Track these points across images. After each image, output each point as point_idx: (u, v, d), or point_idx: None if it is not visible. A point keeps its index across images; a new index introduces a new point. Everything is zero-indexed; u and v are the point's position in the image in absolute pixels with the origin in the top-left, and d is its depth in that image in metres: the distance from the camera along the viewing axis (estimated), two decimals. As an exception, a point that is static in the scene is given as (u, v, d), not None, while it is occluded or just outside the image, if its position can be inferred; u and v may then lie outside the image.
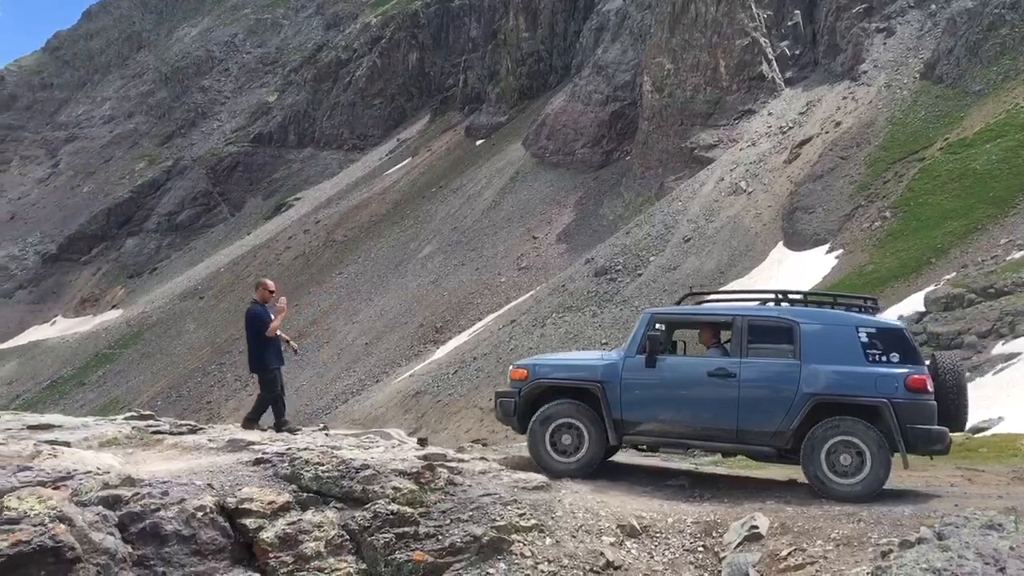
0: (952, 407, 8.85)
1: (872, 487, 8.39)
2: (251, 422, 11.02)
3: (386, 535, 7.12)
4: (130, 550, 6.49)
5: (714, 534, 7.53)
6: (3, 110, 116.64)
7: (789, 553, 6.96)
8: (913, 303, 28.00)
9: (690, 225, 42.79)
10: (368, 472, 7.56)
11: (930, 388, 8.62)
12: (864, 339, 8.69)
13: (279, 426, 11.10)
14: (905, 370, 8.55)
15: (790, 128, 45.70)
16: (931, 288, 27.97)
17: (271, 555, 6.85)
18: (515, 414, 9.63)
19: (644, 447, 9.61)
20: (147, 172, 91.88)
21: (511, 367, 10.22)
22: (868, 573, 6.08)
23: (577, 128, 58.33)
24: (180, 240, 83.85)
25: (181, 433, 9.83)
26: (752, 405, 8.80)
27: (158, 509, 6.75)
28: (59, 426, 9.78)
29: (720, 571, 7.04)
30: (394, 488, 7.45)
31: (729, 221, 41.95)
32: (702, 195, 44.62)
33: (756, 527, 7.34)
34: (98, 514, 6.53)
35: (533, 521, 7.40)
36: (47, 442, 8.39)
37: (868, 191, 38.41)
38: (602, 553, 7.12)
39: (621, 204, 50.57)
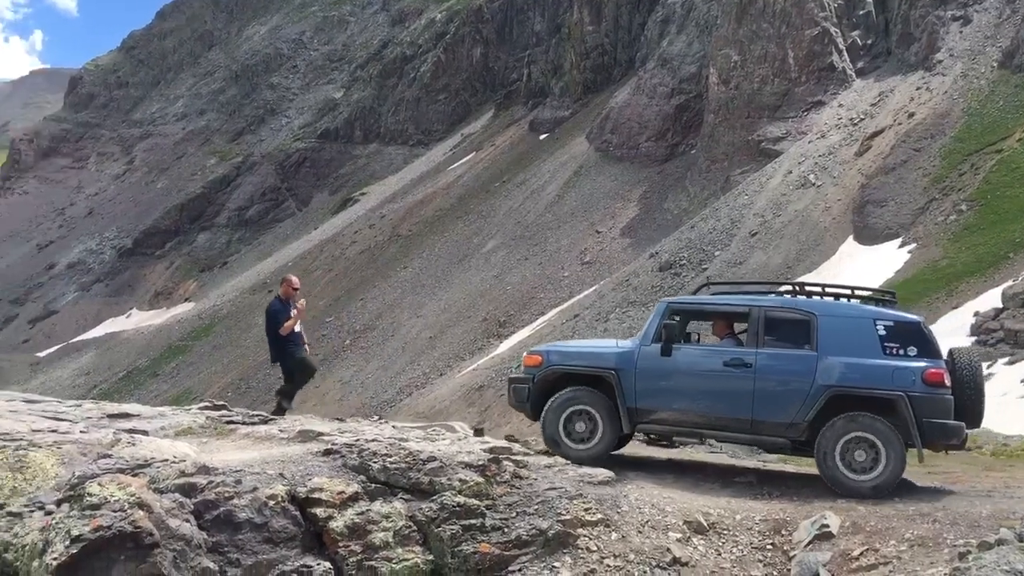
0: (969, 403, 8.74)
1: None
2: (282, 400, 11.28)
3: (453, 527, 7.18)
4: (205, 536, 6.67)
5: (783, 532, 7.42)
6: (81, 108, 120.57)
7: (861, 553, 6.83)
8: (990, 299, 27.19)
9: (756, 219, 42.12)
10: (435, 464, 7.64)
11: (947, 383, 8.50)
12: (882, 332, 8.63)
13: (281, 394, 11.46)
14: (923, 364, 8.47)
15: (861, 120, 44.66)
16: (1008, 284, 27.10)
17: (341, 544, 6.97)
18: (528, 400, 9.62)
19: (655, 436, 9.58)
20: (218, 168, 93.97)
21: (525, 353, 10.21)
22: (945, 575, 5.94)
23: (641, 122, 57.86)
24: (249, 235, 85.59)
25: (253, 423, 10.05)
26: (767, 396, 8.75)
27: (232, 497, 6.92)
28: (137, 415, 10.09)
29: (789, 570, 6.94)
30: (460, 480, 7.51)
31: (797, 215, 41.20)
32: (769, 188, 43.89)
33: (827, 526, 7.21)
34: (175, 501, 6.72)
35: (599, 515, 7.40)
36: (126, 431, 8.68)
37: (943, 184, 37.36)
38: (668, 549, 7.08)
39: (686, 198, 50.04)
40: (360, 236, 69.71)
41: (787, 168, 44.55)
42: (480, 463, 7.78)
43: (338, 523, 7.05)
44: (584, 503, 7.50)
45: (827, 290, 9.63)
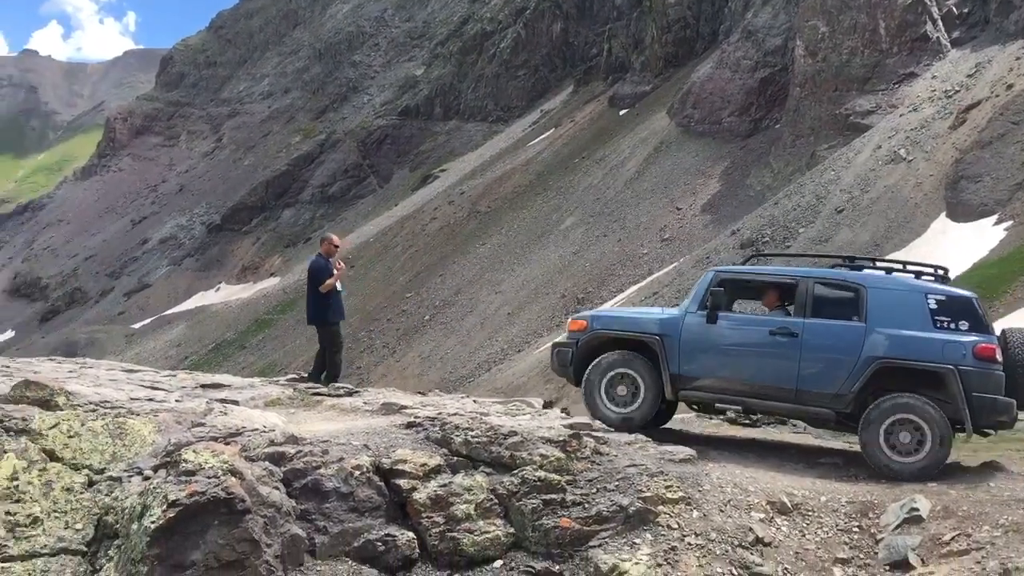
0: (1021, 382, 8.49)
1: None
2: (330, 377, 11.27)
3: (533, 501, 7.23)
4: (293, 504, 6.86)
5: (870, 515, 7.26)
6: (172, 88, 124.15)
7: (952, 538, 6.64)
8: (1093, 279, 26.00)
9: (843, 195, 40.99)
10: (516, 439, 7.68)
11: (999, 358, 8.28)
12: (933, 306, 8.50)
13: (312, 377, 11.32)
14: (974, 338, 8.28)
15: (956, 92, 42.95)
16: (1114, 263, 25.88)
17: (424, 515, 7.09)
18: (571, 364, 9.61)
19: (697, 404, 9.51)
20: (302, 145, 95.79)
21: (570, 318, 10.16)
22: (1042, 563, 5.75)
23: (724, 96, 56.75)
24: (332, 211, 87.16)
25: (338, 396, 10.28)
26: (813, 366, 8.65)
27: (319, 467, 7.10)
28: (228, 386, 10.43)
29: (876, 553, 6.80)
30: (541, 455, 7.55)
31: (886, 191, 39.95)
32: (857, 164, 42.63)
33: (916, 509, 7.03)
34: (265, 469, 6.92)
35: (680, 493, 7.35)
36: (218, 400, 8.97)
37: (1043, 158, 35.76)
38: (751, 529, 7.00)
39: (769, 174, 48.99)
40: (440, 212, 70.28)
41: (876, 143, 43.19)
42: (561, 438, 7.80)
43: (421, 494, 7.17)
44: (665, 480, 7.46)
45: (877, 264, 9.54)
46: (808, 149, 47.08)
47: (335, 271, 11.33)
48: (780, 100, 53.57)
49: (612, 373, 9.26)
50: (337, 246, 11.52)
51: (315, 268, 11.36)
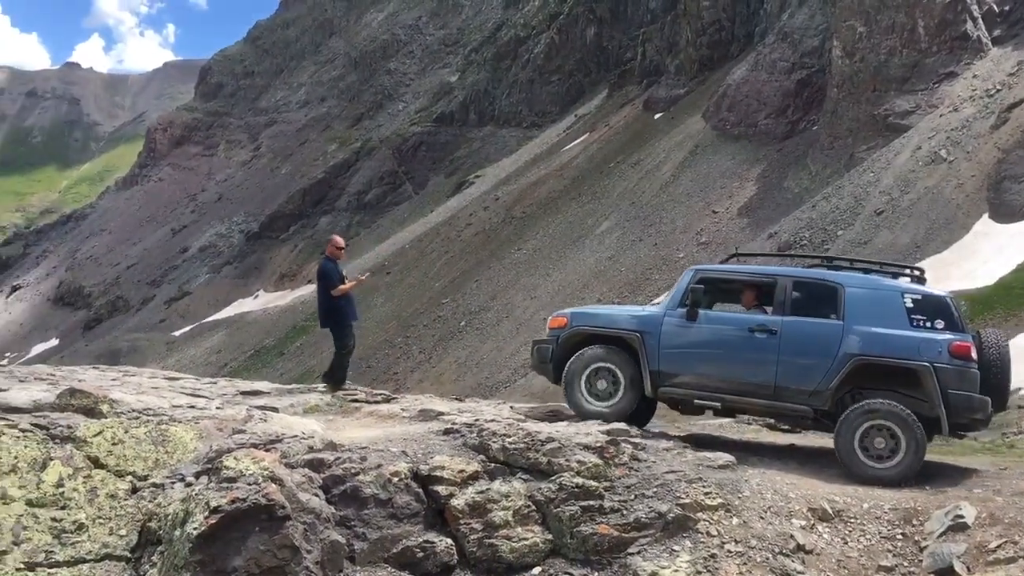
0: (994, 382, 8.63)
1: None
2: (336, 381, 11.21)
3: (571, 507, 7.22)
4: (333, 511, 6.92)
5: (914, 522, 7.15)
6: (211, 98, 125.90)
7: (999, 545, 6.52)
8: None
9: (883, 197, 40.44)
10: (553, 445, 7.69)
11: (974, 356, 8.40)
12: (909, 305, 8.65)
13: (336, 382, 11.24)
14: (949, 336, 8.42)
15: (998, 91, 42.18)
16: None
17: (462, 521, 7.11)
18: (551, 361, 9.66)
19: (677, 400, 9.49)
20: (338, 153, 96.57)
21: (551, 316, 10.22)
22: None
23: (760, 98, 56.26)
24: (368, 218, 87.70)
25: (376, 402, 10.35)
26: (792, 363, 8.75)
27: (358, 473, 7.15)
28: (267, 393, 10.54)
29: (921, 561, 6.70)
30: (579, 462, 7.54)
31: (927, 192, 39.35)
32: (896, 165, 42.04)
33: (962, 516, 6.92)
34: (304, 476, 6.99)
35: (719, 500, 7.30)
36: (258, 407, 9.08)
37: (1090, 157, 35.00)
38: (792, 536, 6.93)
39: (807, 176, 48.46)
40: (475, 218, 70.43)
41: (916, 143, 42.56)
42: (598, 444, 7.79)
43: (459, 501, 7.19)
44: (704, 487, 7.42)
45: (855, 264, 9.72)
46: (846, 151, 46.52)
47: (348, 280, 11.38)
48: (817, 102, 52.99)
49: (593, 366, 9.33)
50: (341, 247, 11.55)
51: (323, 271, 11.44)
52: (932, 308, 8.66)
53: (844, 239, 39.20)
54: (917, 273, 9.57)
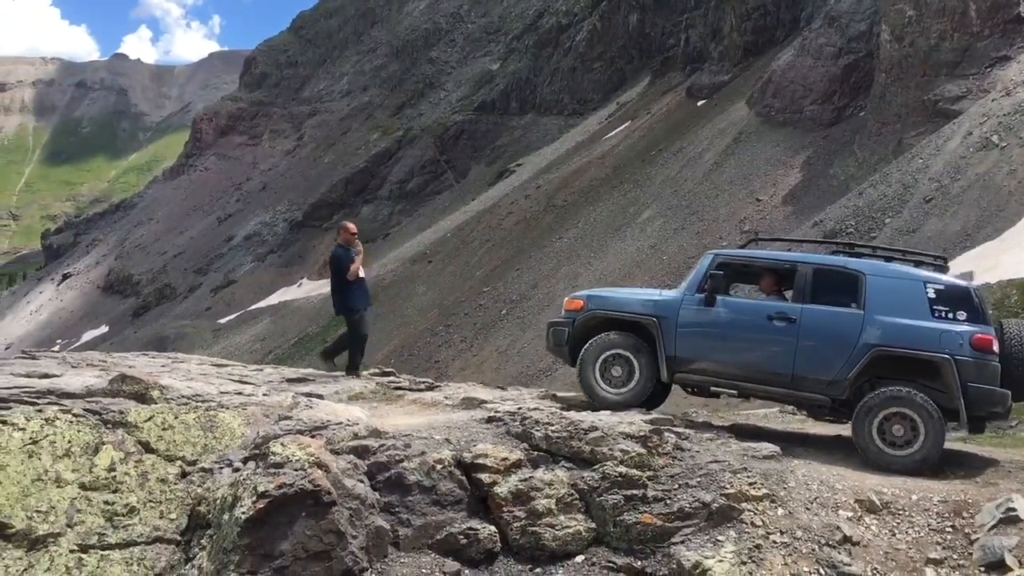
0: (1016, 374, 8.40)
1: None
2: (330, 356, 11.39)
3: (615, 496, 7.21)
4: (377, 497, 6.99)
5: (964, 514, 7.02)
6: (255, 88, 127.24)
7: (1052, 540, 6.39)
8: None
9: (932, 184, 39.64)
10: (596, 434, 7.67)
11: (995, 349, 8.21)
12: (931, 295, 8.45)
13: (352, 368, 11.34)
14: (971, 328, 8.23)
15: (1053, 74, 41.10)
16: None
17: (505, 509, 7.14)
18: (567, 343, 9.56)
19: (692, 387, 9.40)
20: (380, 142, 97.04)
21: (567, 298, 10.12)
22: None
23: (806, 84, 55.43)
24: (410, 207, 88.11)
25: (419, 390, 10.42)
26: (810, 351, 8.59)
27: (402, 460, 7.22)
28: (313, 380, 10.65)
29: (971, 554, 6.58)
30: (622, 451, 7.52)
31: (978, 179, 38.48)
32: (946, 151, 41.18)
33: (1014, 509, 6.77)
34: (350, 462, 7.07)
35: (764, 490, 7.24)
36: (303, 394, 9.19)
37: None
38: (839, 527, 6.85)
39: (854, 163, 47.68)
40: (516, 207, 70.39)
41: (967, 129, 41.63)
42: (641, 434, 7.76)
43: (502, 489, 7.22)
44: (749, 477, 7.36)
45: (878, 251, 9.51)
46: (894, 137, 45.68)
47: (357, 257, 11.41)
48: (864, 87, 52.08)
49: (607, 353, 9.24)
50: (354, 233, 11.58)
51: (336, 258, 11.51)
52: (955, 299, 8.48)
53: (891, 227, 38.53)
54: (940, 262, 9.39)
